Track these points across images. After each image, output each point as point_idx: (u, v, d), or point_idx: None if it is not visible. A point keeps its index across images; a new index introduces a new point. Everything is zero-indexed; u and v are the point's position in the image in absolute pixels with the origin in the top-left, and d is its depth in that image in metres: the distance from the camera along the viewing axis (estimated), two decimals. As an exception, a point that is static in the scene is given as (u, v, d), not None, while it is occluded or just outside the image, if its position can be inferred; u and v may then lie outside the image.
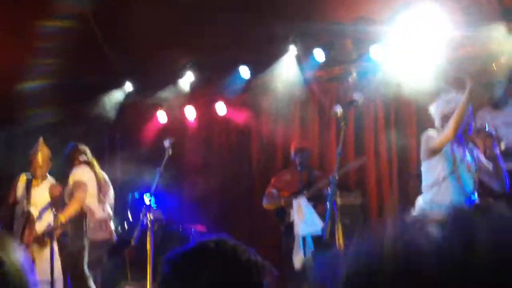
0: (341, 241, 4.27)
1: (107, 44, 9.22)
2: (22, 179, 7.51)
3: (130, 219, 8.40)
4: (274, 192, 8.17)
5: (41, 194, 7.34)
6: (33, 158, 7.45)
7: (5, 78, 8.90)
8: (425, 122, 7.90)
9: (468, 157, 5.46)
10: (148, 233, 6.26)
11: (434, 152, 5.33)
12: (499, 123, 7.07)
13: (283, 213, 7.93)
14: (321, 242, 5.55)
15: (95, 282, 7.33)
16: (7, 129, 10.22)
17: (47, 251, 6.96)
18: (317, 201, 7.59)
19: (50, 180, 7.55)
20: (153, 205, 7.75)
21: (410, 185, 8.04)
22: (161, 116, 10.34)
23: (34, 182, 7.44)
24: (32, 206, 7.30)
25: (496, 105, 7.14)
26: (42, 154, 7.45)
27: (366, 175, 8.75)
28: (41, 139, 7.60)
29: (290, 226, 7.68)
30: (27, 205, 7.27)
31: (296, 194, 7.82)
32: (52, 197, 7.19)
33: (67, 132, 9.45)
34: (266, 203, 8.23)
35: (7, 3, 8.62)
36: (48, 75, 9.05)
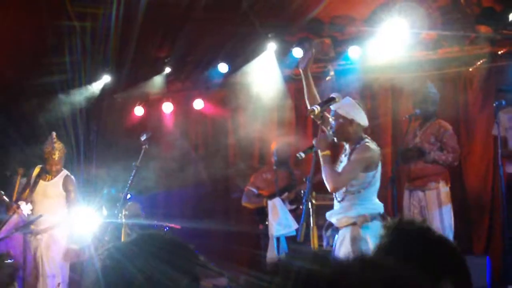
0: (315, 242, 4.26)
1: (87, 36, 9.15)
2: (36, 171, 7.45)
3: (105, 214, 8.33)
4: (254, 191, 8.16)
5: (53, 188, 7.34)
6: (49, 155, 7.38)
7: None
8: (401, 122, 8.01)
9: None
10: (123, 228, 6.26)
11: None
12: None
13: (263, 212, 7.91)
14: (295, 242, 5.53)
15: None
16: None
17: (53, 247, 7.00)
18: (299, 204, 7.61)
19: (63, 174, 7.51)
20: (129, 200, 7.74)
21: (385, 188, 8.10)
22: (138, 110, 10.29)
23: (47, 176, 7.41)
24: (40, 196, 7.27)
25: None
26: (58, 152, 7.39)
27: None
28: (53, 134, 7.50)
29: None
30: (30, 195, 7.25)
31: (275, 194, 7.81)
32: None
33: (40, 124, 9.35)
34: (246, 202, 8.22)
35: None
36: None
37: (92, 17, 8.73)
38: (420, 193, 6.86)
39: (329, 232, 5.14)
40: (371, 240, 4.67)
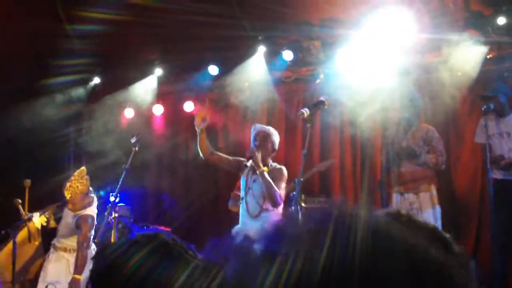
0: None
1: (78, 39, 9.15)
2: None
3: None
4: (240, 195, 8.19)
5: (67, 218, 6.89)
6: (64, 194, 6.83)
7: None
8: (389, 125, 8.03)
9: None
10: (113, 231, 6.25)
11: None
12: (501, 131, 7.17)
13: None
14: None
15: None
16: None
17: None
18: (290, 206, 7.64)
19: (80, 213, 6.78)
20: (119, 202, 7.71)
21: (374, 191, 8.15)
22: (128, 112, 10.28)
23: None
24: (62, 226, 6.96)
25: (500, 114, 7.18)
26: (70, 192, 6.71)
27: (330, 179, 8.82)
28: (79, 170, 6.90)
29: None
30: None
31: None
32: None
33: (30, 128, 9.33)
34: (232, 205, 8.24)
35: None
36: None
37: (82, 20, 8.74)
38: (412, 196, 6.87)
39: None
40: None
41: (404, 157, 6.90)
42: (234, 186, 8.33)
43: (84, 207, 6.77)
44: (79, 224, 6.68)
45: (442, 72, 8.23)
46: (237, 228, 5.80)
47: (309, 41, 8.76)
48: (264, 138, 5.76)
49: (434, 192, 6.88)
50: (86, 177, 6.80)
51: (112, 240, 6.41)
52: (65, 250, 6.85)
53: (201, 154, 5.97)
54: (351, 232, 0.92)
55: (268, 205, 5.59)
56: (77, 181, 6.73)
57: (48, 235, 7.37)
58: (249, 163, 5.48)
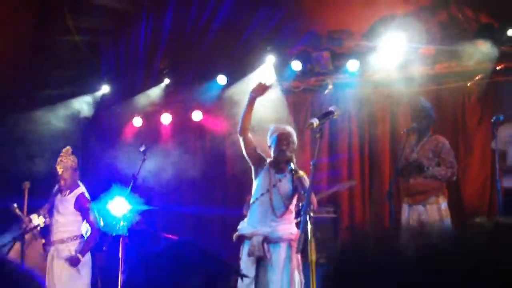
0: (313, 254, 4.25)
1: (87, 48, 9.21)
2: (57, 186, 7.36)
3: (102, 225, 8.33)
4: None
5: (65, 205, 7.18)
6: (57, 169, 7.27)
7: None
8: (398, 136, 8.01)
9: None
10: (121, 239, 6.25)
11: None
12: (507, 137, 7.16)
13: None
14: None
15: None
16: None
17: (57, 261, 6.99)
18: (297, 216, 7.62)
19: (78, 191, 7.27)
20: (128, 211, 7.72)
21: (382, 202, 8.13)
22: (137, 121, 10.30)
23: (65, 192, 7.27)
24: (55, 211, 7.19)
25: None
26: (62, 167, 7.22)
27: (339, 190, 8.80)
28: (65, 149, 7.38)
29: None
30: (47, 209, 7.24)
31: None
32: None
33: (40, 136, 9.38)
34: (247, 210, 8.25)
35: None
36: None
37: (91, 31, 8.79)
38: (421, 208, 6.83)
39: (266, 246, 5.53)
40: None
41: (412, 170, 6.88)
42: (243, 192, 8.32)
43: (75, 183, 7.27)
44: (82, 203, 7.13)
45: (451, 83, 8.24)
46: (248, 227, 5.72)
47: (317, 52, 8.77)
48: (287, 139, 5.74)
49: (443, 204, 6.83)
50: (73, 155, 7.32)
51: (120, 248, 6.40)
52: (62, 242, 6.98)
53: (239, 126, 5.79)
54: None
55: (292, 207, 5.61)
56: (66, 157, 7.24)
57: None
58: (292, 166, 5.44)
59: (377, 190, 8.63)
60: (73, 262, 6.92)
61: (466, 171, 8.18)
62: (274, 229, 5.54)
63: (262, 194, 5.67)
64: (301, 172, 5.46)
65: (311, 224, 4.28)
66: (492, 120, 6.75)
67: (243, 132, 5.76)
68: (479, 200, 8.12)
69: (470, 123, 8.30)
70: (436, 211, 6.80)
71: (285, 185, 5.61)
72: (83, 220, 7.17)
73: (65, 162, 7.22)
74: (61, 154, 7.30)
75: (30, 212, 7.42)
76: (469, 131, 8.29)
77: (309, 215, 4.26)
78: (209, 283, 1.79)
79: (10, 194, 7.79)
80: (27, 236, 7.13)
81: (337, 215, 8.37)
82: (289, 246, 5.51)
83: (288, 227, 5.58)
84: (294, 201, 5.64)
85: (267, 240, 5.53)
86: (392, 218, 6.83)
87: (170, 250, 1.88)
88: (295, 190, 5.56)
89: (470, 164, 8.20)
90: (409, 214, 6.89)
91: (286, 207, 5.60)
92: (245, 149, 5.83)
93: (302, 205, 4.50)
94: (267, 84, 5.78)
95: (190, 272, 1.78)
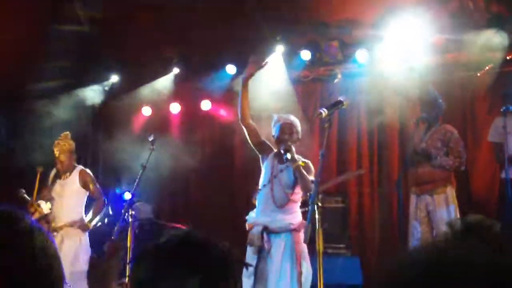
0: (321, 245, 4.25)
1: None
2: (54, 171, 7.54)
3: (110, 213, 8.35)
4: None
5: (70, 186, 7.36)
6: (55, 154, 7.47)
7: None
8: (407, 126, 7.99)
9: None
10: (129, 229, 6.26)
11: None
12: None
13: None
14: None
15: None
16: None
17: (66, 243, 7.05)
18: (305, 206, 7.63)
19: (78, 169, 7.50)
20: (138, 200, 7.75)
21: (391, 191, 8.12)
22: (146, 110, 10.32)
23: (64, 175, 7.45)
24: (57, 196, 7.33)
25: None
26: (59, 150, 7.43)
27: (347, 179, 8.79)
28: (65, 133, 7.59)
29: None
30: (48, 195, 7.38)
31: None
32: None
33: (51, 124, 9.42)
34: (255, 199, 8.26)
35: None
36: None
37: (98, 20, 8.80)
38: (428, 198, 6.81)
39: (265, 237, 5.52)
40: None
41: (420, 159, 6.85)
42: (251, 183, 8.33)
43: (72, 165, 7.45)
44: (84, 177, 7.38)
45: (461, 72, 8.20)
46: (254, 217, 5.73)
47: (326, 41, 8.75)
48: (290, 129, 5.72)
49: (450, 192, 6.81)
50: (71, 140, 7.52)
51: (128, 239, 6.41)
52: (71, 225, 7.16)
53: (239, 114, 5.82)
54: None
55: (295, 197, 5.58)
56: (63, 141, 7.43)
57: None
58: (289, 156, 5.40)
59: (385, 180, 8.62)
60: (83, 227, 7.13)
61: (475, 163, 8.14)
62: (274, 219, 5.54)
63: (264, 185, 5.69)
64: (300, 162, 5.45)
65: (319, 214, 4.29)
66: (501, 110, 6.71)
67: (244, 119, 5.77)
68: (488, 191, 8.08)
69: (479, 113, 8.26)
70: (443, 200, 6.78)
71: (286, 175, 5.60)
72: (91, 195, 7.41)
73: (62, 145, 7.41)
74: (60, 137, 7.49)
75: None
76: (478, 121, 8.25)
77: (317, 204, 4.26)
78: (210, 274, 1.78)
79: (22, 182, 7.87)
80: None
81: (345, 205, 8.36)
82: (290, 236, 5.50)
83: (289, 217, 5.56)
84: (298, 190, 5.61)
85: (267, 230, 5.54)
86: (401, 207, 6.83)
87: (174, 239, 1.87)
88: (296, 180, 5.55)
89: (479, 155, 8.16)
90: (417, 204, 6.87)
91: (288, 198, 5.58)
92: (249, 137, 5.84)
93: (309, 195, 4.50)
94: (258, 63, 5.75)
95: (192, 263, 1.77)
